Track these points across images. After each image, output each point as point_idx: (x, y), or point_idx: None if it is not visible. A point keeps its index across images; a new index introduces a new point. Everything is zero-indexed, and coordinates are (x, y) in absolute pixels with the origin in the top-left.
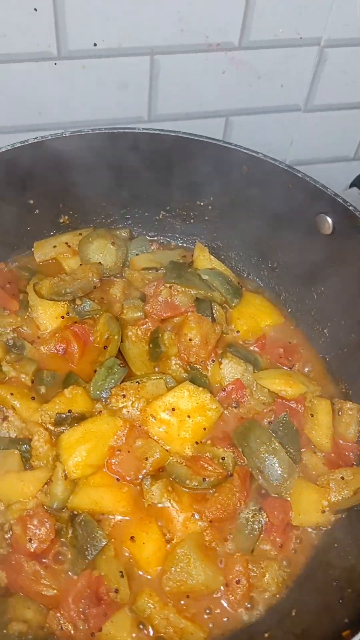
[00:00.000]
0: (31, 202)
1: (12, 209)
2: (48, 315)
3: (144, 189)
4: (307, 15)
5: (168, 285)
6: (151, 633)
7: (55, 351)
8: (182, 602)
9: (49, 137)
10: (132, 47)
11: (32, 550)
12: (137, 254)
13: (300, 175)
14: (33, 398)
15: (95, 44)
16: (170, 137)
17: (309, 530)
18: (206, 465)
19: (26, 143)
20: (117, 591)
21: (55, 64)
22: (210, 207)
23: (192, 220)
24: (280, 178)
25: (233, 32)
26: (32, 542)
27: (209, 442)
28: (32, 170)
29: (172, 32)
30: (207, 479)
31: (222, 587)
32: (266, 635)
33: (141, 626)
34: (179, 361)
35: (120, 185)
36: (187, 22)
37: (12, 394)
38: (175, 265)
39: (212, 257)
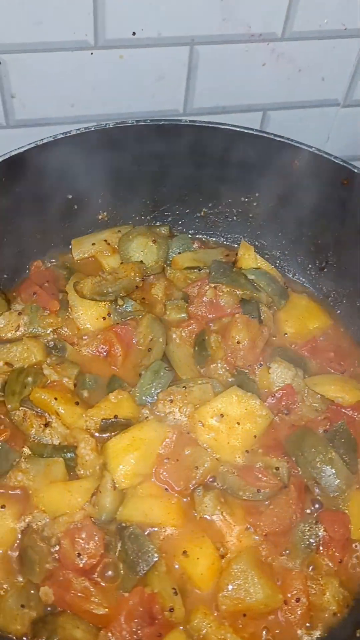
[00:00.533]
0: (70, 197)
1: (50, 204)
2: (89, 316)
3: (186, 185)
4: (354, 5)
5: (213, 285)
6: None
7: (98, 353)
8: (239, 621)
9: (92, 129)
10: (172, 36)
11: (80, 565)
12: (179, 253)
13: (357, 170)
14: (77, 403)
15: (134, 33)
16: (217, 130)
17: None
18: (260, 476)
19: (68, 134)
20: (171, 610)
21: (92, 53)
22: (255, 204)
23: (235, 218)
24: (335, 174)
25: (277, 22)
26: (81, 557)
27: (260, 450)
28: (71, 163)
29: (214, 21)
30: (261, 490)
31: (280, 606)
32: None
33: None
34: (225, 365)
35: (161, 180)
36: (230, 10)
37: (56, 398)
38: (219, 265)
39: (257, 256)
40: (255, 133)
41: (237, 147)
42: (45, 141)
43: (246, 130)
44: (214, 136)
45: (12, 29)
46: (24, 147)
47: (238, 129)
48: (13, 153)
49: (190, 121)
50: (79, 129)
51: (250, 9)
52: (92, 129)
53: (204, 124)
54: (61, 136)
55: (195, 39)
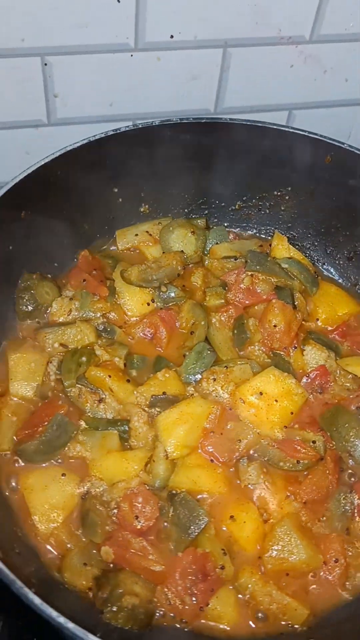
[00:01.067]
0: (116, 190)
1: (98, 197)
2: (134, 302)
3: (221, 179)
4: None
5: (250, 273)
6: (254, 609)
7: (144, 336)
8: (282, 580)
9: (140, 125)
10: (207, 39)
11: (138, 527)
12: (216, 243)
13: None
14: (128, 380)
15: (171, 36)
16: (253, 128)
17: None
18: (299, 448)
19: (119, 131)
20: (222, 567)
21: (132, 55)
22: (287, 197)
23: (267, 210)
24: None
25: (305, 25)
26: (139, 519)
27: (297, 426)
28: (119, 158)
29: (247, 24)
30: (301, 462)
31: (320, 566)
32: None
33: (244, 603)
34: (262, 347)
35: (199, 175)
36: (263, 15)
37: (110, 376)
38: (255, 254)
39: (290, 246)
40: (290, 130)
41: (272, 143)
42: (97, 137)
43: (282, 128)
44: (250, 133)
45: (59, 33)
46: (77, 142)
47: (274, 127)
48: (68, 148)
49: (230, 119)
50: (128, 126)
51: (281, 13)
52: (140, 125)
53: (242, 122)
54: (112, 133)
55: (229, 42)
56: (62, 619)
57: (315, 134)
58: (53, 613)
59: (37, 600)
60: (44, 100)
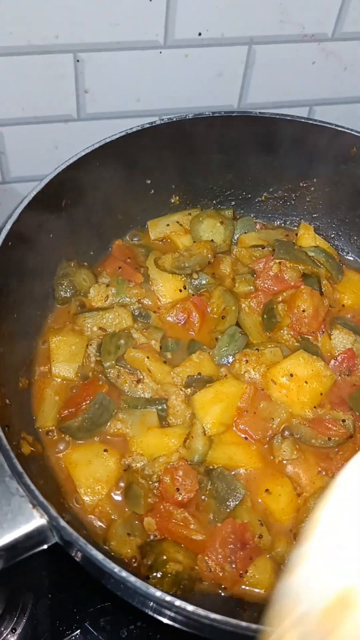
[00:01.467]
0: (148, 182)
1: (133, 189)
2: (167, 288)
3: (249, 171)
4: None
5: (278, 260)
6: None
7: (177, 321)
8: None
9: (174, 119)
10: (233, 36)
11: (179, 499)
12: (244, 233)
13: None
14: (165, 362)
15: (199, 34)
16: (281, 121)
17: None
18: (330, 426)
19: (155, 124)
20: (260, 537)
21: (161, 52)
22: (313, 189)
23: (293, 202)
24: None
25: (328, 23)
26: (180, 491)
27: (327, 406)
28: (152, 151)
29: (272, 22)
30: (332, 438)
31: None
32: None
33: (280, 570)
34: (291, 332)
35: (227, 167)
36: (288, 12)
37: (148, 357)
38: (282, 243)
39: (316, 235)
40: (316, 123)
41: (298, 136)
42: (134, 129)
43: (308, 121)
44: (277, 126)
45: (91, 30)
46: (115, 135)
47: (301, 120)
48: (107, 140)
49: (260, 113)
50: (162, 119)
51: (305, 11)
52: (175, 119)
53: (270, 115)
54: (148, 125)
55: (254, 39)
56: (124, 573)
57: (341, 126)
58: (115, 568)
59: (100, 556)
60: (74, 96)
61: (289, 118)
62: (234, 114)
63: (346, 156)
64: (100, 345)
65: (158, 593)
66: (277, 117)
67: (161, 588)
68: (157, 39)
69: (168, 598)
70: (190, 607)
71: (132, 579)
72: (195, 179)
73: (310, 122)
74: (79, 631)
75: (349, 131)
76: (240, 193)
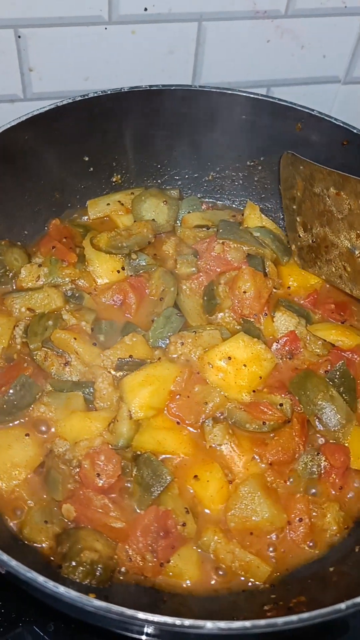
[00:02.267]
0: (86, 159)
1: (68, 166)
2: (104, 269)
3: (195, 150)
4: None
5: (221, 241)
6: (217, 567)
7: (113, 302)
8: (246, 539)
9: (108, 92)
10: (181, 12)
11: (100, 484)
12: (188, 212)
13: (356, 131)
14: (94, 344)
15: (145, 9)
16: (224, 95)
17: None
18: (265, 410)
19: (87, 97)
20: (184, 524)
21: (106, 28)
22: (260, 168)
23: (241, 182)
24: (335, 135)
25: None
26: (100, 477)
27: (265, 390)
28: (88, 126)
29: None
30: (267, 423)
31: (285, 525)
32: (331, 569)
33: (207, 560)
34: (232, 314)
35: (172, 145)
36: None
37: (75, 338)
38: (227, 223)
39: (262, 215)
40: (259, 97)
41: (244, 112)
42: (64, 102)
43: (252, 95)
44: (221, 102)
45: (32, 4)
46: (44, 107)
47: (244, 94)
48: (35, 113)
49: (200, 86)
50: (96, 92)
51: None
52: (109, 92)
53: (213, 89)
54: (79, 98)
55: (204, 15)
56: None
57: (285, 100)
58: (7, 559)
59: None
60: (19, 74)
61: (229, 92)
62: (172, 87)
63: (292, 132)
64: (28, 327)
65: (30, 574)
66: (217, 90)
67: (74, 577)
68: (101, 14)
69: (41, 579)
70: (61, 589)
71: (8, 560)
72: (137, 156)
73: (252, 96)
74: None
75: (293, 105)
76: (187, 172)
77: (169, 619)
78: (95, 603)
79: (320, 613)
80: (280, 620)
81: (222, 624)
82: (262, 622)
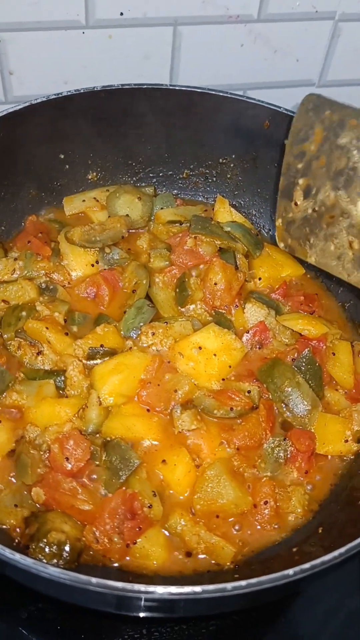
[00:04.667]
0: (62, 157)
1: (43, 163)
2: (78, 263)
3: (168, 148)
4: None
5: (193, 235)
6: (182, 549)
7: (86, 295)
8: (212, 522)
9: (82, 91)
10: (156, 17)
11: (68, 468)
12: (162, 208)
13: None
14: (67, 334)
15: (121, 13)
16: (194, 94)
17: (333, 458)
18: (233, 396)
19: (60, 95)
20: (150, 507)
21: (83, 32)
22: (232, 165)
23: (214, 179)
24: None
25: (252, 4)
26: (69, 461)
27: (234, 378)
28: (63, 124)
29: (195, 2)
30: (234, 409)
31: (250, 508)
32: (294, 549)
33: (173, 542)
34: (204, 305)
35: (146, 143)
36: None
37: (47, 327)
38: (199, 218)
39: (232, 209)
40: (228, 96)
41: (215, 110)
42: (38, 101)
43: (221, 94)
44: (194, 100)
45: (11, 8)
46: (19, 105)
47: (214, 92)
48: (10, 110)
49: (171, 85)
50: (69, 91)
51: None
52: (82, 91)
53: (184, 88)
54: (53, 97)
55: (178, 20)
56: None
57: (253, 99)
58: None
59: None
60: None
61: (199, 91)
62: (144, 86)
63: (260, 130)
64: (2, 318)
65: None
66: (189, 89)
67: (41, 558)
68: (79, 18)
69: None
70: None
71: None
72: (112, 154)
73: (222, 94)
74: None
75: (260, 103)
76: (161, 170)
77: (119, 584)
78: (51, 569)
79: (268, 578)
80: (229, 585)
81: (173, 589)
82: (212, 586)
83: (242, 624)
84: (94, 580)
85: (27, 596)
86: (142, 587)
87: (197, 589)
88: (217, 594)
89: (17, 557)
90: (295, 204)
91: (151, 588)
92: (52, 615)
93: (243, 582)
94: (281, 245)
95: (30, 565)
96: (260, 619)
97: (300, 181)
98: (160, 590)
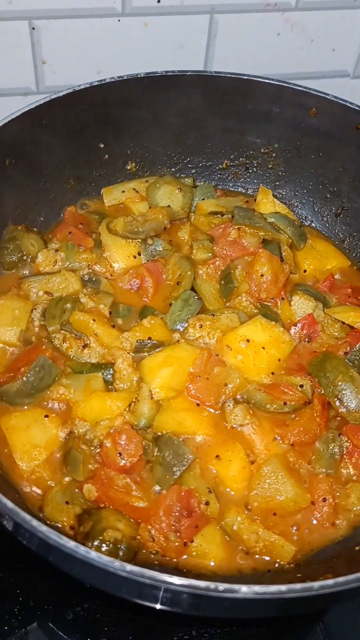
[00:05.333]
0: (101, 146)
1: (85, 153)
2: (120, 254)
3: (208, 137)
4: None
5: (236, 226)
6: (241, 547)
7: (130, 287)
8: (269, 520)
9: (125, 77)
10: (193, 4)
11: (121, 464)
12: (202, 199)
13: None
14: (113, 326)
15: (158, 1)
16: (237, 81)
17: None
18: (286, 390)
19: (103, 82)
20: (207, 504)
21: (119, 20)
22: (274, 155)
23: (255, 169)
24: (349, 119)
25: None
26: (122, 456)
27: (283, 373)
28: (104, 112)
29: None
30: (287, 403)
31: (309, 505)
32: (357, 548)
33: (231, 541)
34: (249, 298)
35: (185, 133)
36: None
37: (94, 320)
38: (242, 209)
39: (275, 200)
40: (274, 82)
41: (258, 98)
42: (82, 87)
43: (265, 80)
44: (237, 88)
45: None
46: (62, 91)
47: (257, 79)
48: (53, 97)
49: (215, 72)
50: (112, 78)
51: None
52: (125, 77)
53: (226, 74)
54: (96, 83)
55: (215, 8)
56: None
57: (299, 85)
58: (43, 527)
59: (26, 517)
60: (32, 67)
61: (244, 78)
62: (187, 73)
63: (306, 118)
64: (46, 310)
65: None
66: (230, 76)
67: None
68: (115, 5)
69: (72, 544)
70: (105, 558)
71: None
72: (152, 144)
73: (266, 81)
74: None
75: (307, 90)
76: (200, 160)
77: (202, 583)
78: (128, 567)
79: (356, 577)
80: (316, 584)
81: (258, 588)
82: (298, 585)
83: (289, 627)
84: (177, 580)
85: (74, 596)
86: (225, 586)
87: (283, 588)
88: (304, 594)
89: (93, 555)
90: None
91: (236, 587)
92: (99, 616)
93: (330, 581)
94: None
95: (107, 563)
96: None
97: None
98: (245, 589)
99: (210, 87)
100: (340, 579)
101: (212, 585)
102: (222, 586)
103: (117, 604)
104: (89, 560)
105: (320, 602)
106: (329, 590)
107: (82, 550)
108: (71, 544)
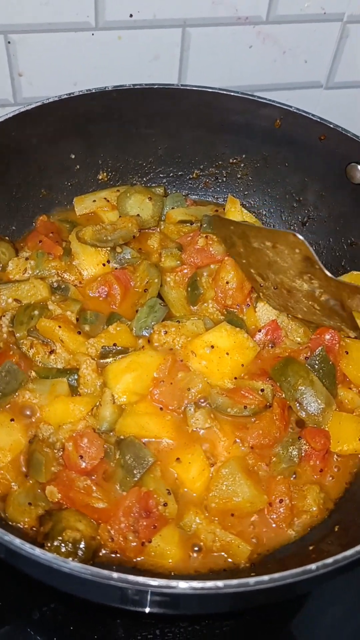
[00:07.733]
0: (72, 157)
1: (55, 163)
2: (90, 262)
3: (178, 148)
4: None
5: (204, 235)
6: (198, 547)
7: (98, 294)
8: (227, 520)
9: (93, 91)
10: (165, 18)
11: (82, 466)
12: (172, 208)
13: (332, 125)
14: (79, 332)
15: (131, 15)
16: (204, 94)
17: (347, 457)
18: (247, 395)
19: (72, 95)
20: (165, 505)
21: (93, 34)
22: (243, 165)
23: (224, 179)
24: (312, 130)
25: (262, 5)
26: (83, 459)
27: (246, 377)
28: (74, 124)
29: (205, 3)
30: (248, 407)
31: (265, 506)
32: (310, 548)
33: (188, 541)
34: (216, 305)
35: (157, 143)
36: None
37: (59, 326)
38: (210, 217)
39: (243, 209)
40: (239, 95)
41: (225, 110)
42: (50, 100)
43: (232, 93)
44: (205, 100)
45: (21, 10)
46: (31, 104)
47: (224, 92)
48: (22, 110)
49: (183, 85)
50: (81, 91)
51: None
52: (94, 91)
53: (196, 88)
54: (65, 96)
55: (187, 21)
56: (7, 537)
57: (263, 98)
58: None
59: None
60: (9, 80)
61: (211, 90)
62: (155, 86)
63: (271, 129)
64: (14, 317)
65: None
66: (201, 89)
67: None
68: (88, 20)
69: (17, 542)
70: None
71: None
72: (123, 155)
73: (232, 94)
74: None
75: (271, 102)
76: (171, 170)
77: (140, 579)
78: (72, 564)
79: (291, 573)
80: (252, 580)
81: (195, 584)
82: (234, 581)
83: (254, 624)
84: (115, 575)
85: (40, 597)
86: (162, 582)
87: (220, 583)
88: (240, 589)
89: (37, 552)
90: (260, 284)
91: (173, 583)
92: (64, 616)
93: (265, 577)
94: (276, 308)
95: (51, 560)
96: (274, 620)
97: (252, 270)
98: (183, 585)
99: (178, 99)
100: (276, 575)
101: (149, 580)
102: (155, 581)
103: (80, 604)
104: (35, 557)
105: (260, 598)
106: (264, 586)
107: (27, 547)
108: (17, 541)
